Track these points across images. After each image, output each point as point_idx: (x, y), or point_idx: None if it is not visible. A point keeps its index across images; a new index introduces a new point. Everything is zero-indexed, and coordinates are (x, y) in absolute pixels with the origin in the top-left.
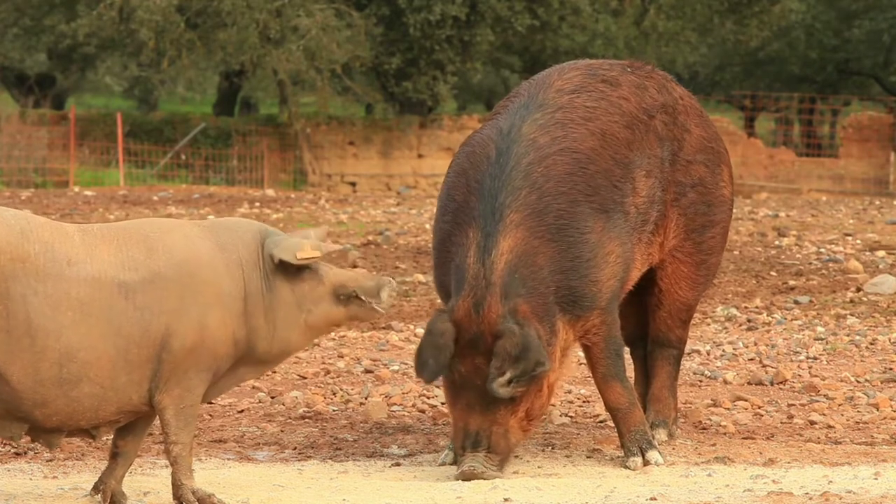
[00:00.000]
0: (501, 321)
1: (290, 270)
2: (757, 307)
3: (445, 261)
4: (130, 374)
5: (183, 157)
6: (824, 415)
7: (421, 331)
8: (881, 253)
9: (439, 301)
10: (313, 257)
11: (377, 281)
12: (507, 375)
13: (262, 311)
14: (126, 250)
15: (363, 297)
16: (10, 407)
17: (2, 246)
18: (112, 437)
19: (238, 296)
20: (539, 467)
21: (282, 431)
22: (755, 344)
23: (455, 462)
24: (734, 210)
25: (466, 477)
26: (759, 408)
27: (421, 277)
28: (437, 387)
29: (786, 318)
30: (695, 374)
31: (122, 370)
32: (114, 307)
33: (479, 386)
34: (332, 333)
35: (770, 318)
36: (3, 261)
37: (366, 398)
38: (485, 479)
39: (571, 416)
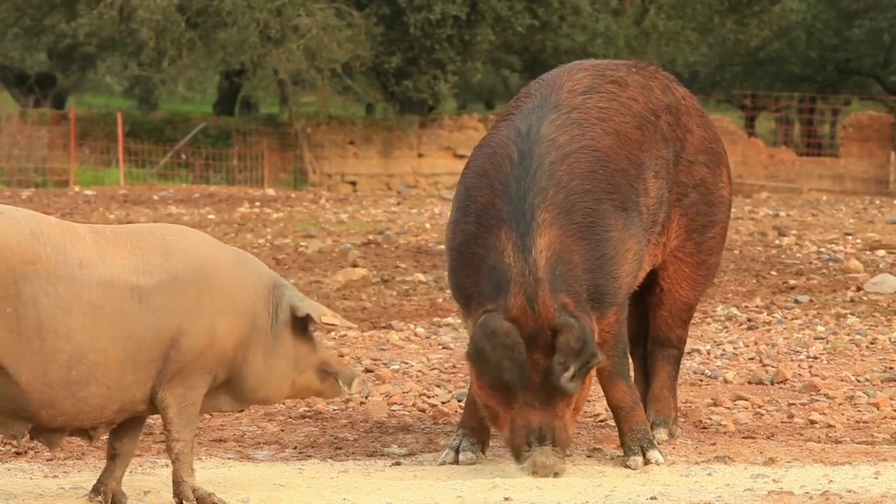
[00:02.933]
0: (558, 315)
1: (298, 329)
2: (757, 306)
3: (470, 263)
4: (137, 373)
5: (183, 156)
6: (825, 414)
7: (421, 330)
8: (881, 252)
9: (441, 301)
10: (334, 325)
11: (352, 371)
12: (571, 370)
13: (262, 348)
14: (141, 254)
15: (339, 381)
16: (16, 407)
17: (12, 247)
18: (108, 439)
19: (247, 311)
20: None
21: (282, 431)
22: (755, 343)
23: (455, 460)
24: (734, 210)
25: (539, 468)
26: (760, 407)
27: (421, 277)
28: (438, 386)
29: (786, 318)
30: (695, 373)
31: (129, 370)
32: (126, 310)
33: (537, 382)
34: (333, 333)
35: (770, 318)
36: (14, 263)
37: (366, 397)
38: (557, 471)
39: None
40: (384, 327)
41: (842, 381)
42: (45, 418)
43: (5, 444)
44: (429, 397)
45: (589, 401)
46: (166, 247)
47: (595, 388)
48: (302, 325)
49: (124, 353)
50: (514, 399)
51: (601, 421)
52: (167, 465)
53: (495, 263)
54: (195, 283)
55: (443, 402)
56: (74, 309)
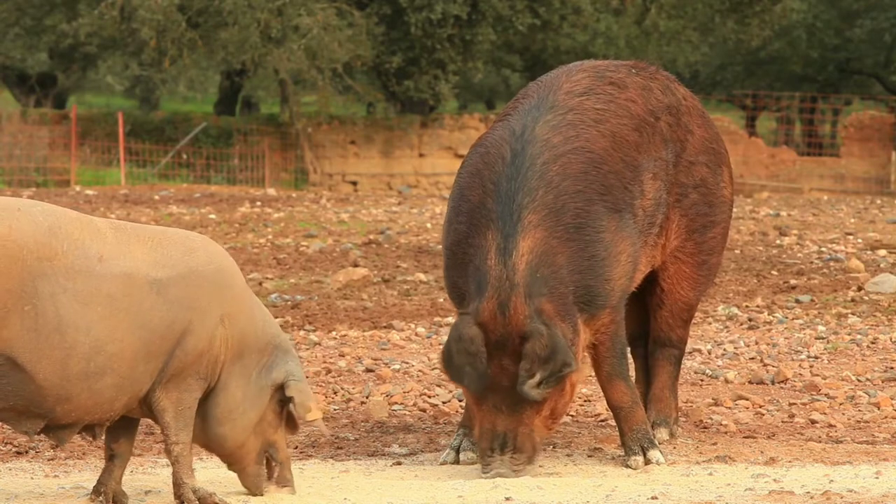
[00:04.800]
0: (528, 322)
1: (276, 399)
2: (758, 306)
3: (461, 262)
4: (148, 363)
5: (184, 156)
6: (825, 414)
7: (422, 330)
8: (882, 252)
9: (441, 300)
10: (316, 419)
11: (290, 481)
12: (537, 377)
13: (244, 386)
14: (162, 249)
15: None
16: (31, 404)
17: (29, 245)
18: (105, 440)
19: (244, 335)
20: (540, 466)
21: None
22: (756, 343)
23: (456, 460)
24: (735, 209)
25: (491, 478)
26: (761, 407)
27: (422, 276)
28: (439, 385)
29: (787, 317)
30: (696, 373)
31: (142, 360)
32: (144, 302)
33: (506, 387)
34: (334, 333)
35: (771, 317)
36: (31, 261)
37: (367, 397)
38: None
39: (573, 415)
40: (385, 327)
41: (843, 380)
42: (59, 413)
43: (6, 443)
44: (430, 397)
45: (589, 401)
46: (189, 244)
47: (595, 388)
48: (281, 399)
49: (140, 343)
50: (484, 400)
51: (602, 421)
52: (168, 465)
53: (479, 264)
54: (212, 282)
55: (444, 402)
56: (93, 301)
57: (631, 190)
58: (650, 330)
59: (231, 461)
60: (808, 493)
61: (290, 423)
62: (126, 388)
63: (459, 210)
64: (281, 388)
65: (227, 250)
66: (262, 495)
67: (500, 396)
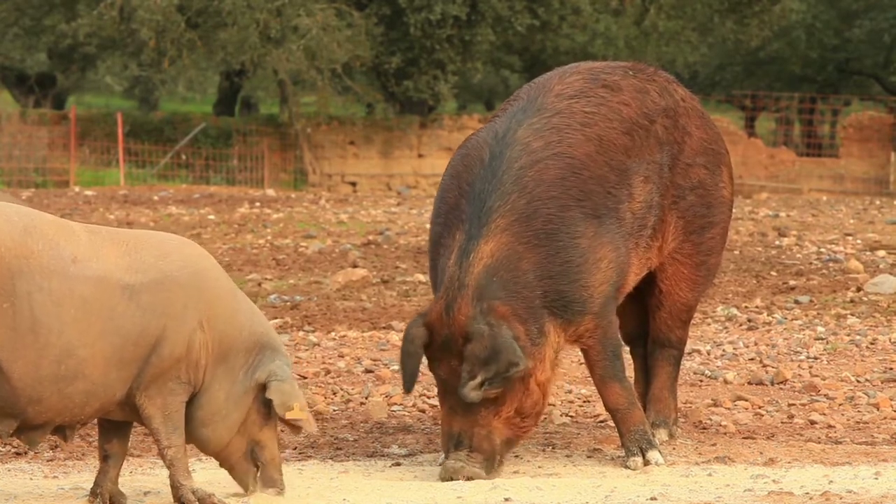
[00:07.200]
0: (471, 322)
1: (262, 398)
2: (757, 307)
3: (436, 263)
4: (121, 370)
5: (183, 156)
6: (825, 414)
7: None
8: (881, 253)
9: None
10: (298, 421)
11: (277, 482)
12: (478, 379)
13: (227, 387)
14: (136, 253)
15: (257, 474)
16: (4, 404)
17: (6, 243)
18: (98, 441)
19: (223, 338)
20: (539, 467)
21: (282, 431)
22: (755, 344)
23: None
24: (735, 210)
25: (446, 477)
26: (760, 407)
27: (421, 277)
28: None
29: (786, 318)
30: (695, 373)
31: (114, 367)
32: (116, 307)
33: (457, 388)
34: (333, 333)
35: (770, 318)
36: (9, 258)
37: (366, 398)
38: (466, 475)
39: (572, 416)
40: (384, 328)
41: (842, 381)
42: (31, 415)
43: (5, 444)
44: (429, 397)
45: (588, 401)
46: (164, 248)
47: (594, 389)
48: (266, 399)
49: (111, 350)
50: (444, 401)
51: (601, 422)
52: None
53: (443, 265)
54: (187, 286)
55: None
56: (66, 303)
57: (615, 194)
58: (649, 330)
59: (218, 459)
60: (808, 493)
61: (288, 423)
62: (98, 393)
63: (439, 211)
64: (264, 388)
65: (226, 251)
66: (248, 492)
67: (455, 398)
